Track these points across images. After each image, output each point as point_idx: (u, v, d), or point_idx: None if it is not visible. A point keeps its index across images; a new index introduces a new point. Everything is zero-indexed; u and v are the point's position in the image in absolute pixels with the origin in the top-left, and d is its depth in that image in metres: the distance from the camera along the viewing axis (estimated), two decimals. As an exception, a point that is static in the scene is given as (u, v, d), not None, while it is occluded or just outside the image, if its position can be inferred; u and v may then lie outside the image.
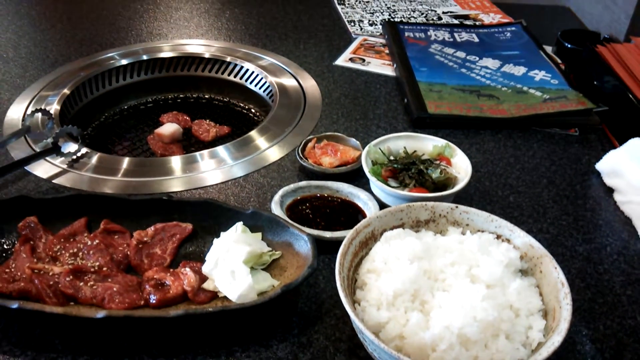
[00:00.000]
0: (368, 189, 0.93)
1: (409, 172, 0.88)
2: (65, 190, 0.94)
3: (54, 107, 1.15)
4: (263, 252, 0.74)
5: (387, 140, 0.96)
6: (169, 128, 1.17)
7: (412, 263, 0.63)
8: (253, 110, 1.36)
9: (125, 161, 1.00)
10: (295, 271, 0.73)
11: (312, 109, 1.18)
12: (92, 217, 0.81)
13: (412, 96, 1.20)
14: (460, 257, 0.64)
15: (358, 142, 1.02)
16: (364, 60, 1.40)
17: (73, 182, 0.95)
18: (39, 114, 1.04)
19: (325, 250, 0.81)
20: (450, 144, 0.95)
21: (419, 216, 0.72)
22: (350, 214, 0.88)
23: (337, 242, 0.76)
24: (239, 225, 0.79)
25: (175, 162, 1.01)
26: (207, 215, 0.81)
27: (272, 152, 1.05)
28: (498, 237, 0.70)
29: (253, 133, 1.09)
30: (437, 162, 0.90)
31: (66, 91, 1.21)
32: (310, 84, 1.28)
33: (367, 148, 0.93)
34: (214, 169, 0.99)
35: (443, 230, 0.72)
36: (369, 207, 0.87)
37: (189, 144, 1.21)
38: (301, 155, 0.99)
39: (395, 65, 1.36)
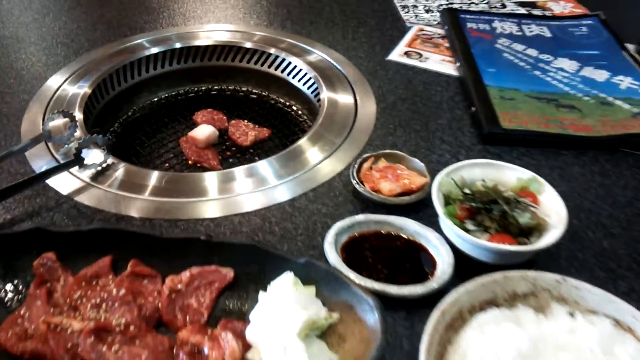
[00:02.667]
0: (438, 228, 0.80)
1: (490, 213, 0.74)
2: (87, 210, 0.82)
3: (77, 106, 1.03)
4: (321, 318, 0.62)
5: (460, 168, 0.81)
6: (203, 131, 1.04)
7: (517, 366, 0.50)
8: (295, 108, 1.21)
9: (154, 176, 0.88)
10: (357, 345, 0.61)
11: (365, 115, 1.04)
12: (118, 254, 0.70)
13: (481, 104, 1.04)
14: (577, 359, 0.51)
15: (423, 165, 0.88)
16: (420, 55, 1.24)
17: (97, 201, 0.83)
18: (61, 116, 0.92)
19: (389, 304, 0.69)
20: (538, 178, 0.79)
21: (515, 288, 0.59)
22: (417, 259, 0.74)
23: (404, 299, 0.65)
24: (289, 277, 0.66)
25: (211, 179, 0.88)
26: (251, 260, 0.68)
27: (322, 169, 0.91)
28: (616, 323, 0.56)
29: (299, 144, 0.96)
30: (524, 201, 0.75)
31: (87, 90, 1.08)
32: (362, 84, 1.12)
33: (437, 179, 0.79)
34: (255, 190, 0.87)
35: (544, 307, 0.59)
36: (440, 253, 0.73)
37: (224, 148, 1.08)
38: (356, 179, 0.85)
39: (458, 63, 1.19)
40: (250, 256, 0.68)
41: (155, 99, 1.23)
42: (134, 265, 0.68)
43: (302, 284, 0.67)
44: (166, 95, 1.23)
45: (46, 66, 1.16)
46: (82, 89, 1.08)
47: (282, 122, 1.17)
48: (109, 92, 1.14)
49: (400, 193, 0.84)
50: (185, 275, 0.68)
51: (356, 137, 0.99)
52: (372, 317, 0.61)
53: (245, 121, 1.12)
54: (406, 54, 1.24)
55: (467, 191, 0.79)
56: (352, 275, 0.69)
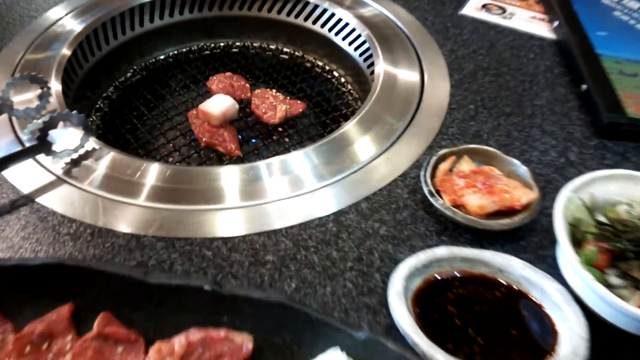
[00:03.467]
0: (550, 267, 0.55)
1: (644, 259, 0.49)
2: (53, 219, 0.59)
3: (54, 69, 0.78)
4: None
5: (591, 183, 0.55)
6: (219, 104, 0.79)
7: None
8: (337, 74, 0.95)
9: (153, 170, 0.64)
10: None
11: (434, 91, 0.77)
12: (82, 303, 0.47)
13: (595, 82, 0.76)
14: None
15: (526, 170, 0.61)
16: (503, 10, 0.95)
17: (69, 205, 0.60)
18: (29, 81, 0.68)
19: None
20: None
21: None
22: (526, 322, 0.50)
23: None
24: (339, 358, 0.43)
25: (228, 178, 0.63)
26: (280, 324, 0.45)
27: (378, 168, 0.66)
28: None
29: (346, 130, 0.70)
30: (697, 243, 0.50)
31: (66, 51, 0.83)
32: (429, 46, 0.85)
33: (561, 200, 0.53)
34: (286, 196, 0.62)
35: None
36: (565, 317, 0.48)
37: (246, 126, 0.83)
38: (431, 186, 0.60)
39: (555, 23, 0.90)
40: (278, 318, 0.45)
41: (162, 57, 0.97)
42: (104, 321, 0.45)
43: (358, 368, 0.43)
44: (174, 52, 0.98)
45: (27, 15, 0.91)
46: (62, 46, 0.82)
47: (320, 93, 0.91)
48: (101, 48, 0.89)
49: (496, 212, 0.59)
50: (180, 342, 0.44)
51: (424, 120, 0.72)
52: None
53: (274, 91, 0.86)
54: (484, 7, 0.95)
55: (602, 219, 0.53)
56: (435, 352, 0.45)
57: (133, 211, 0.60)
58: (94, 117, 0.85)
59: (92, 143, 0.66)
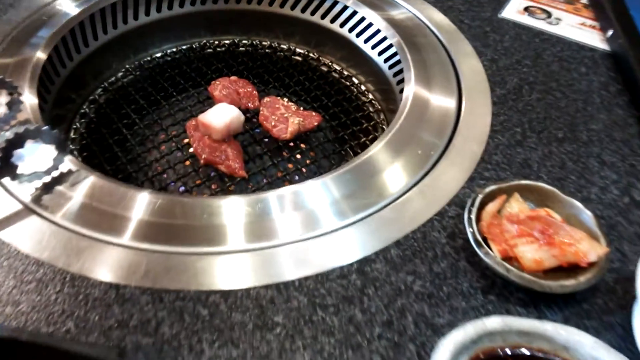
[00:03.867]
0: (626, 347, 0.44)
1: None
2: (16, 261, 0.48)
3: (29, 70, 0.67)
4: None
5: (682, 241, 0.45)
6: (222, 116, 0.68)
7: None
8: (356, 81, 0.84)
9: (142, 200, 0.53)
10: None
11: (473, 109, 0.66)
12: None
13: (661, 103, 0.65)
14: None
15: (591, 215, 0.51)
16: (549, 14, 0.83)
17: (36, 245, 0.49)
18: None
19: None
20: None
21: None
22: (600, 421, 0.40)
23: None
24: None
25: (230, 212, 0.52)
26: None
27: (410, 204, 0.55)
28: None
29: (373, 153, 0.59)
30: None
31: (45, 47, 0.71)
32: (466, 55, 0.74)
33: (647, 265, 0.42)
34: (302, 238, 0.51)
35: None
36: (653, 420, 0.38)
37: (253, 140, 0.72)
38: (477, 233, 0.49)
39: (610, 32, 0.79)
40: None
41: (158, 55, 0.86)
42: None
43: None
44: (172, 50, 0.86)
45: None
46: (40, 42, 0.71)
47: (337, 103, 0.79)
48: (88, 44, 0.77)
49: (557, 268, 0.48)
50: None
51: (463, 144, 0.61)
52: None
53: (285, 100, 0.75)
54: (527, 10, 0.84)
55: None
56: None
57: (114, 253, 0.49)
58: (77, 124, 0.74)
59: (67, 164, 0.55)
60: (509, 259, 0.49)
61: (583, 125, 0.66)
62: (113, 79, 0.82)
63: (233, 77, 0.78)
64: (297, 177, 0.69)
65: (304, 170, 0.69)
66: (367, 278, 0.49)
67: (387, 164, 0.58)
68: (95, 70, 0.80)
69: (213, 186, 0.67)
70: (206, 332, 0.44)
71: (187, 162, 0.69)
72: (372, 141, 0.64)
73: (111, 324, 0.44)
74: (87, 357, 0.35)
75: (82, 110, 0.77)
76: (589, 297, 0.49)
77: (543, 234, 0.49)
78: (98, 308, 0.45)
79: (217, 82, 0.76)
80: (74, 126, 0.74)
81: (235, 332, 0.45)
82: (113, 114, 0.76)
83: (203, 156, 0.67)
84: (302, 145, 0.74)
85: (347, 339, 0.45)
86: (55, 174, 0.54)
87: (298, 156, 0.73)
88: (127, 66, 0.83)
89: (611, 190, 0.58)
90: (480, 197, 0.52)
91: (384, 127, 0.75)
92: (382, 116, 0.77)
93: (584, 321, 0.47)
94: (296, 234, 0.51)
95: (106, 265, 0.48)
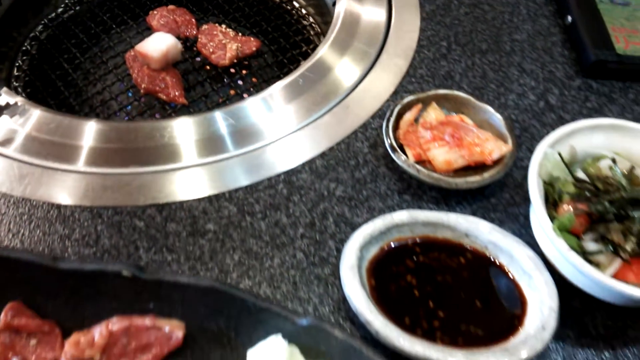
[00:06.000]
0: (521, 227, 0.50)
1: (625, 222, 0.43)
2: (-38, 186, 0.51)
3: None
4: None
5: (572, 134, 0.49)
6: (159, 44, 0.69)
7: None
8: (296, 5, 0.84)
9: (89, 129, 0.55)
10: None
11: (402, 25, 0.68)
12: (-14, 292, 0.40)
13: (582, 13, 0.68)
14: None
15: (500, 118, 0.55)
16: None
17: (-18, 171, 0.52)
18: None
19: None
20: (701, 154, 0.48)
21: None
22: (492, 291, 0.45)
23: None
24: (280, 347, 0.38)
25: (178, 131, 0.55)
26: (214, 310, 0.39)
27: (335, 119, 0.58)
28: None
29: (302, 73, 0.62)
30: (684, 202, 0.44)
31: None
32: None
33: (538, 155, 0.46)
34: (243, 150, 0.55)
35: None
36: (536, 287, 0.44)
37: (193, 68, 0.74)
38: (393, 139, 0.53)
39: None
40: (211, 304, 0.39)
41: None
42: (13, 312, 0.39)
43: (302, 358, 0.38)
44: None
45: None
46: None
47: (277, 28, 0.80)
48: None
49: (464, 168, 0.52)
50: (101, 333, 0.39)
51: (390, 60, 0.64)
52: None
53: (224, 27, 0.76)
54: None
55: (581, 175, 0.47)
56: (390, 330, 0.40)
57: (54, 177, 0.52)
58: (19, 61, 0.75)
59: (5, 97, 0.57)
60: (423, 162, 0.53)
61: (507, 36, 0.68)
62: (53, 14, 0.81)
63: (171, 6, 0.78)
64: (238, 102, 0.72)
65: (245, 95, 0.72)
66: (293, 187, 0.53)
67: (314, 83, 0.61)
68: (35, 7, 0.79)
69: (156, 115, 0.69)
70: (143, 241, 0.49)
71: (129, 93, 0.71)
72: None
73: (54, 238, 0.48)
74: (26, 262, 0.39)
75: (24, 48, 0.77)
76: (496, 193, 0.54)
77: (453, 137, 0.53)
78: (42, 226, 0.49)
79: (155, 12, 0.77)
80: (17, 64, 0.75)
81: (169, 239, 0.49)
82: (54, 50, 0.76)
83: (143, 86, 0.69)
84: (244, 72, 0.75)
85: (273, 239, 0.49)
86: (-7, 107, 0.56)
87: (240, 82, 0.74)
88: (67, 1, 0.83)
89: (528, 96, 0.62)
90: (397, 107, 0.56)
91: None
92: (321, 39, 0.79)
93: (490, 214, 0.52)
94: (237, 146, 0.55)
95: (47, 189, 0.51)
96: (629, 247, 0.43)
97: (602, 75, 0.64)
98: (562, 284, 0.45)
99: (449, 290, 0.45)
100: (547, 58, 0.66)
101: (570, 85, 0.63)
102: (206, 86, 0.73)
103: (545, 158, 0.46)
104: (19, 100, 0.57)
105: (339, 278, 0.46)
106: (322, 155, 0.55)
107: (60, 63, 0.74)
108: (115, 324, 0.39)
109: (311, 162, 0.55)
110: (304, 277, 0.47)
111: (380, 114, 0.59)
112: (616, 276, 0.42)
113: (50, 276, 0.39)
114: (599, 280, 0.41)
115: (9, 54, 0.76)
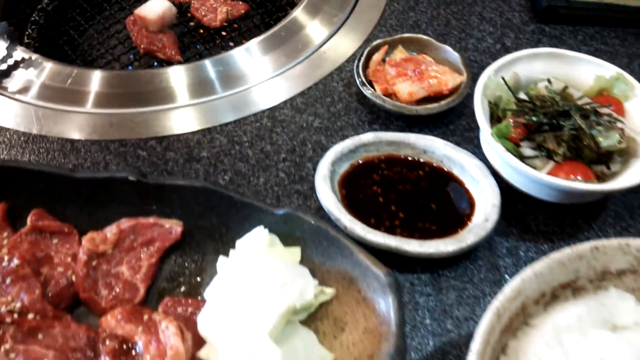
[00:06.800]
0: (475, 147, 0.57)
1: (557, 131, 0.51)
2: (-12, 127, 0.59)
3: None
4: (306, 301, 0.42)
5: (514, 62, 0.56)
6: (155, 8, 0.76)
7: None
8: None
9: (96, 78, 0.63)
10: (362, 337, 0.41)
11: (375, -17, 0.75)
12: (16, 201, 0.48)
13: (537, -36, 0.75)
14: None
15: (457, 56, 0.62)
16: None
17: (8, 119, 0.60)
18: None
19: (406, 263, 0.49)
20: (625, 75, 0.54)
21: (608, 265, 0.38)
22: (446, 197, 0.53)
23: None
24: (262, 236, 0.45)
25: (173, 77, 0.63)
26: (207, 208, 0.47)
27: (314, 63, 0.66)
28: None
29: (283, 25, 0.69)
30: (608, 113, 0.51)
31: None
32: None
33: (482, 79, 0.54)
34: (230, 93, 0.62)
35: (652, 294, 0.38)
36: (482, 189, 0.51)
37: (186, 30, 0.81)
38: (362, 77, 0.60)
39: None
40: (205, 203, 0.47)
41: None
42: (36, 217, 0.47)
43: (281, 245, 0.46)
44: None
45: None
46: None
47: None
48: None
49: (425, 98, 0.60)
50: (112, 231, 0.47)
51: (363, 13, 0.71)
52: (382, 300, 0.41)
53: (214, -8, 0.83)
54: None
55: (522, 96, 0.55)
56: (356, 225, 0.48)
57: (67, 118, 0.60)
58: (29, 30, 0.83)
59: (20, 53, 0.64)
60: (390, 95, 0.60)
61: (470, -11, 0.75)
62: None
63: (166, -24, 0.86)
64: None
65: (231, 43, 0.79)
66: (276, 120, 0.60)
67: (295, 34, 0.68)
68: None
69: (155, 72, 0.77)
70: (145, 167, 0.56)
71: (130, 55, 0.78)
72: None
73: (69, 167, 0.56)
74: (47, 174, 0.47)
75: (33, 18, 0.85)
76: (455, 120, 0.61)
77: (415, 72, 0.60)
78: (57, 157, 0.57)
79: (151, -18, 0.84)
80: (27, 32, 0.82)
81: (169, 165, 0.56)
82: (61, 19, 0.84)
83: (142, 46, 0.77)
84: (233, 33, 0.83)
85: (259, 163, 0.57)
86: (10, 61, 0.63)
87: (230, 43, 0.82)
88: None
89: (486, 40, 0.69)
90: (367, 49, 0.63)
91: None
92: (305, 1, 0.86)
93: (449, 138, 0.59)
94: (226, 88, 0.62)
95: (61, 127, 0.59)
96: (560, 151, 0.50)
97: (554, 20, 0.71)
98: (507, 190, 0.52)
99: (409, 197, 0.53)
100: (505, 7, 0.73)
101: (524, 30, 0.70)
102: (199, 46, 0.80)
103: (489, 80, 0.53)
104: (34, 55, 0.65)
105: (316, 192, 0.53)
106: (302, 94, 0.63)
107: (66, 31, 0.82)
108: (124, 223, 0.47)
109: (292, 99, 0.62)
110: (285, 192, 0.55)
111: (353, 59, 0.66)
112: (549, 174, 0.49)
113: (68, 186, 0.47)
114: (533, 175, 0.48)
115: (20, 25, 0.83)
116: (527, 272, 0.35)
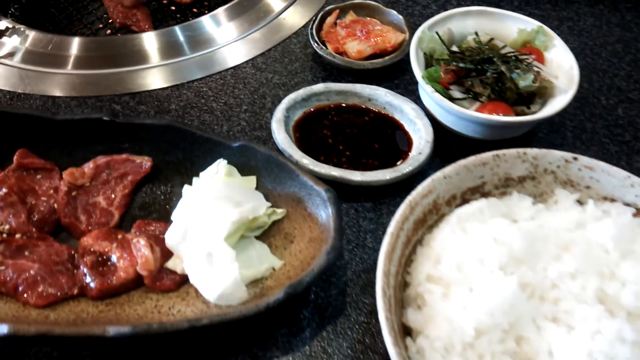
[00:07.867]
0: (417, 98, 0.64)
1: (482, 75, 0.58)
2: (-25, 88, 0.65)
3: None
4: (258, 215, 0.49)
5: (448, 19, 0.63)
6: (129, -15, 0.83)
7: (507, 274, 0.37)
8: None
9: (75, 43, 0.69)
10: (307, 245, 0.48)
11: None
12: (1, 142, 0.54)
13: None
14: (585, 262, 0.38)
15: (401, 18, 0.69)
16: None
17: (-10, 77, 0.66)
18: None
19: (351, 194, 0.56)
20: (545, 28, 0.62)
21: (510, 172, 0.45)
22: (388, 138, 0.60)
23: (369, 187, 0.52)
24: (221, 166, 0.52)
25: (146, 41, 0.69)
26: (173, 145, 0.53)
27: (274, 29, 0.72)
28: (638, 212, 0.43)
29: (246, -3, 0.75)
30: (527, 59, 0.59)
31: None
32: None
33: (418, 33, 0.61)
34: (198, 53, 0.69)
35: (546, 195, 0.45)
36: (418, 129, 0.58)
37: (159, 6, 0.88)
38: (316, 38, 0.67)
39: None
40: (171, 140, 0.53)
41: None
42: (22, 155, 0.53)
43: (239, 174, 0.52)
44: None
45: None
46: None
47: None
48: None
49: (372, 55, 0.66)
50: (89, 166, 0.53)
51: (319, -14, 0.78)
52: (324, 212, 0.48)
53: (185, -28, 0.90)
54: None
55: (454, 49, 0.62)
56: (306, 160, 0.55)
57: (49, 78, 0.66)
58: (12, 9, 0.88)
59: (5, 23, 0.70)
60: (341, 54, 0.67)
61: (419, -38, 0.82)
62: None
63: (139, -43, 0.92)
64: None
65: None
66: (239, 78, 0.67)
67: (258, 2, 0.75)
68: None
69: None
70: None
71: (108, 30, 0.84)
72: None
73: (51, 120, 0.62)
74: (31, 117, 0.53)
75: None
76: (399, 76, 0.68)
77: (362, 32, 0.67)
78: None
79: (125, -39, 0.90)
80: (10, 11, 0.88)
81: (140, 116, 0.62)
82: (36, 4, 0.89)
83: (118, 20, 0.82)
84: (205, 12, 0.89)
85: (223, 113, 0.63)
86: (-6, 29, 0.69)
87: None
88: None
89: (431, 7, 0.76)
90: (321, 13, 0.69)
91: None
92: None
93: (394, 90, 0.66)
94: (194, 49, 0.69)
95: (59, 87, 0.65)
96: (485, 93, 0.57)
97: (494, -11, 0.78)
98: (442, 131, 0.59)
99: (355, 139, 0.60)
100: (450, -22, 0.80)
101: (466, -2, 0.77)
102: (171, 22, 0.86)
103: (423, 34, 0.60)
104: (17, 25, 0.71)
105: (272, 136, 0.60)
106: (262, 55, 0.69)
107: (47, 8, 0.87)
108: (100, 159, 0.53)
109: (253, 59, 0.69)
110: (246, 138, 0.61)
111: (309, 24, 0.73)
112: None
113: (50, 127, 0.53)
114: (458, 112, 0.55)
115: (1, 4, 0.89)
116: (437, 174, 0.42)
